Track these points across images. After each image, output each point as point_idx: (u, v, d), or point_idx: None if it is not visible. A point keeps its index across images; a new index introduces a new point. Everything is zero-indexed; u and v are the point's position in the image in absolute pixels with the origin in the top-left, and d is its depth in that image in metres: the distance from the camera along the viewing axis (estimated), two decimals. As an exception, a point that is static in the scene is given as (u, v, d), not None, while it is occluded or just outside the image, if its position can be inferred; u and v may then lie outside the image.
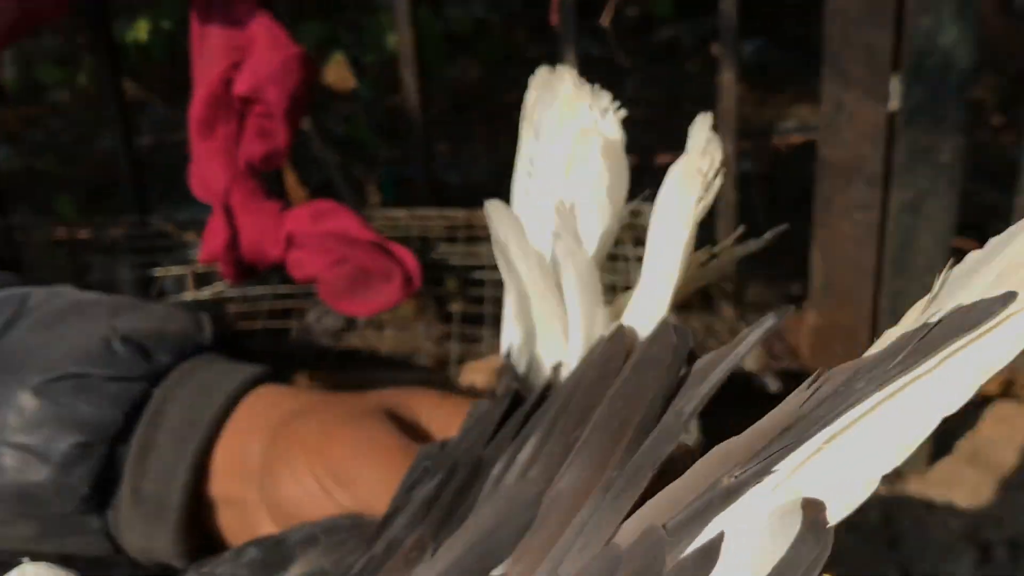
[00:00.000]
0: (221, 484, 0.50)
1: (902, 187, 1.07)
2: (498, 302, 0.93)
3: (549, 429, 0.36)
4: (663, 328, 0.36)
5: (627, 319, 0.37)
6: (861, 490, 0.26)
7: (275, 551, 0.42)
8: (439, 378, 0.86)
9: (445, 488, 0.38)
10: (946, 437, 1.26)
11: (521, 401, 0.39)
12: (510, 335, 0.40)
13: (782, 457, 0.27)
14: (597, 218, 0.37)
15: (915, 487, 1.21)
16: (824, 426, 0.26)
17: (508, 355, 0.40)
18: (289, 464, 0.46)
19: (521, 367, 0.39)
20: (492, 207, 0.38)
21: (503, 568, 0.34)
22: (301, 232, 0.86)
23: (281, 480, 0.47)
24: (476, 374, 0.90)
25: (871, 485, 0.26)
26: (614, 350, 0.37)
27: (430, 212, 1.02)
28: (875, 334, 0.31)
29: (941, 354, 0.25)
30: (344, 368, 0.85)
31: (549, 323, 0.38)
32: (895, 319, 0.30)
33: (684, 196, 0.35)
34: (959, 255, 0.29)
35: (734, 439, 0.29)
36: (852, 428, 0.26)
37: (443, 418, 0.48)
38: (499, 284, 0.94)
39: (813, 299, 1.11)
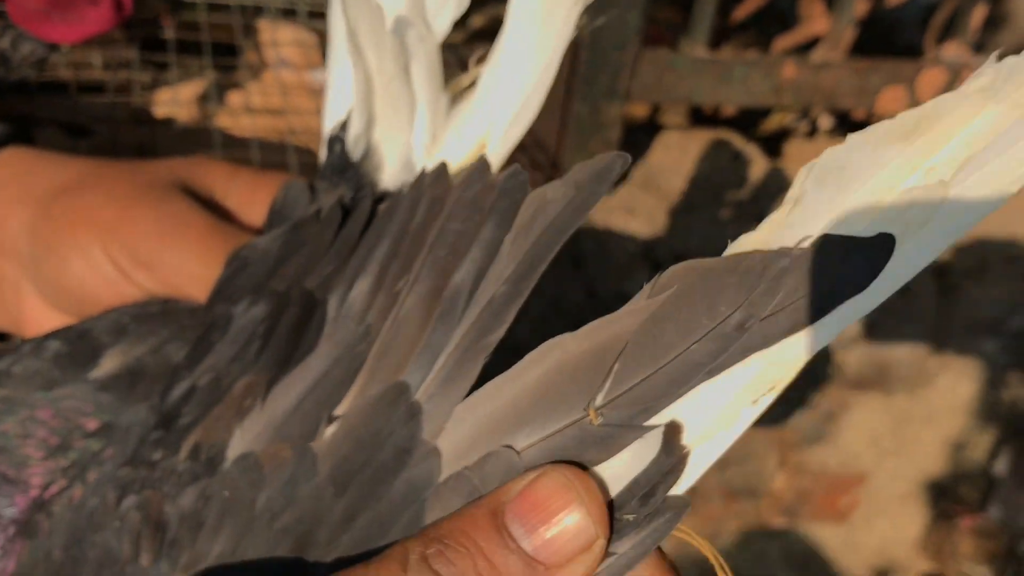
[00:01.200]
0: None
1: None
2: (217, 29, 0.87)
3: (380, 274, 0.34)
4: (479, 166, 0.33)
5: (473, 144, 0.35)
6: (728, 426, 0.27)
7: (81, 343, 0.39)
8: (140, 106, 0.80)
9: (276, 325, 0.36)
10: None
11: (347, 207, 0.37)
12: (339, 117, 0.38)
13: (654, 403, 0.27)
14: (455, 2, 0.35)
15: (597, 214, 1.29)
16: (703, 374, 0.26)
17: (337, 140, 0.38)
18: (77, 243, 0.43)
19: (356, 154, 0.38)
20: (350, -8, 0.34)
21: (341, 409, 0.32)
22: (-17, -58, 0.75)
23: (69, 261, 0.43)
24: (174, 107, 0.85)
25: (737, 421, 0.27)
26: (440, 189, 0.34)
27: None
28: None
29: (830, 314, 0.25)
30: (49, 98, 0.77)
31: (394, 111, 0.36)
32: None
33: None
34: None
35: (569, 339, 0.28)
36: (726, 372, 0.26)
37: (240, 192, 0.46)
38: (214, 9, 0.88)
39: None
